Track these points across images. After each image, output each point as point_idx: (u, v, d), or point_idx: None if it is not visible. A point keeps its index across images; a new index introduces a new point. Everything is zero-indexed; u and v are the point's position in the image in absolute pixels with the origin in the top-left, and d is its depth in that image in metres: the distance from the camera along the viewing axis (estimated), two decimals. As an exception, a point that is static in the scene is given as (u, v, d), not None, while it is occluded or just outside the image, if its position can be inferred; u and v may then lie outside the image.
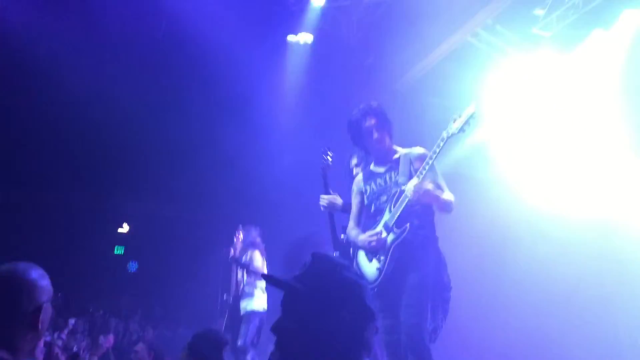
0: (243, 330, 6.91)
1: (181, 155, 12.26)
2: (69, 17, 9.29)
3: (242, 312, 7.01)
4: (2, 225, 11.72)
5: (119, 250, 15.09)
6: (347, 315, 1.94)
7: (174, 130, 11.67)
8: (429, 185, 4.04)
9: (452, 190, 4.26)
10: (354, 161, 5.14)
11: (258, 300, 7.04)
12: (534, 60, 8.16)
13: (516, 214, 7.60)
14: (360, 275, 4.17)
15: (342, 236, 4.87)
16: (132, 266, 13.71)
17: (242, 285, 7.04)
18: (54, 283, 2.37)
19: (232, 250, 7.28)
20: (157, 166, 12.59)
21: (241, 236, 7.30)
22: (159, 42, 10.02)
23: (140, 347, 6.25)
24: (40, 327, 2.25)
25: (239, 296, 7.10)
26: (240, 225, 7.56)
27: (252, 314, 6.96)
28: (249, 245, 7.29)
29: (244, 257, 7.17)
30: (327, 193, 5.08)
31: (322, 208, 5.05)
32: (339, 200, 5.02)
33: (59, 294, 9.95)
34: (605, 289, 6.59)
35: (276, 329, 1.99)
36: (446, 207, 4.18)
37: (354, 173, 5.06)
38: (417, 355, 3.99)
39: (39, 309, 2.26)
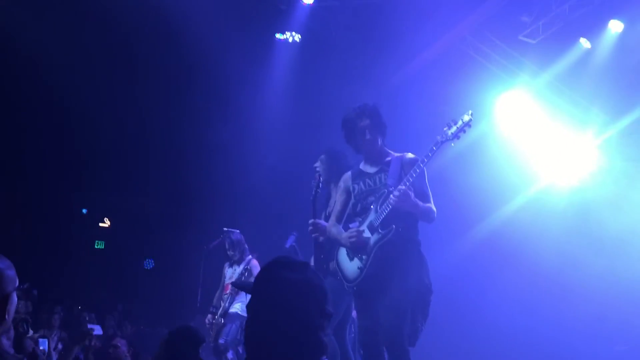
0: (226, 329, 6.91)
1: (165, 150, 12.19)
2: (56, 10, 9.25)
3: (228, 312, 7.00)
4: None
5: (99, 245, 14.95)
6: (300, 317, 1.96)
7: (159, 125, 11.60)
8: (412, 194, 4.05)
9: (437, 195, 4.29)
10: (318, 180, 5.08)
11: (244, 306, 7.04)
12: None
13: (502, 216, 7.70)
14: (341, 274, 4.28)
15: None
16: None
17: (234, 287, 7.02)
18: (33, 277, 2.37)
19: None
20: (140, 161, 12.51)
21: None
22: (145, 37, 9.95)
23: (119, 342, 6.18)
24: (7, 316, 2.26)
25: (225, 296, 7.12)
26: (225, 230, 7.55)
27: (237, 315, 6.97)
28: (245, 251, 7.26)
29: (244, 265, 7.11)
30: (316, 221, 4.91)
31: (310, 233, 4.90)
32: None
33: (34, 291, 9.85)
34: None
35: (244, 333, 2.05)
36: (426, 216, 4.20)
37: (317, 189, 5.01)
38: (397, 355, 4.01)
39: (5, 299, 2.27)
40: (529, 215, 7.68)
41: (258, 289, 2.07)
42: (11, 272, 2.32)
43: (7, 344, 2.77)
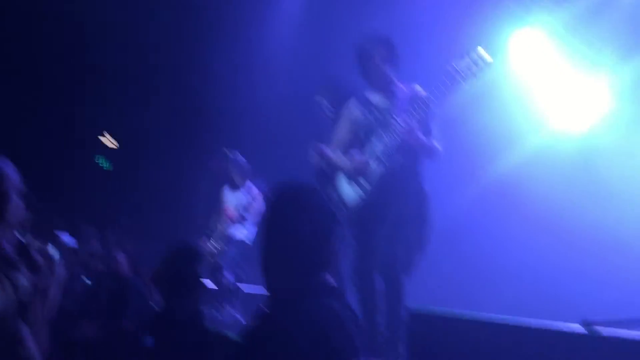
0: (226, 251, 7.03)
1: (172, 69, 12.00)
2: None
3: (229, 235, 7.09)
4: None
5: (99, 160, 14.92)
6: (305, 235, 2.04)
7: (167, 43, 11.40)
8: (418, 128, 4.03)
9: (444, 138, 4.26)
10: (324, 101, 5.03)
11: (248, 233, 7.11)
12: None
13: (510, 160, 7.64)
14: (339, 201, 4.31)
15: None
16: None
17: (239, 213, 7.08)
18: (32, 188, 2.32)
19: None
20: (145, 78, 12.35)
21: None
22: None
23: (119, 256, 6.28)
24: (7, 216, 2.23)
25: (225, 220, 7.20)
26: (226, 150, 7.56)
27: (237, 239, 7.06)
28: (248, 176, 7.27)
29: (248, 193, 7.13)
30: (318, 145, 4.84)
31: (312, 159, 4.88)
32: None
33: (35, 201, 9.92)
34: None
35: (260, 252, 2.14)
36: (429, 152, 4.19)
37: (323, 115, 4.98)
38: (392, 286, 4.09)
39: (3, 196, 2.23)
40: (537, 160, 7.61)
41: (266, 211, 2.20)
42: (9, 171, 2.27)
43: (8, 248, 2.77)
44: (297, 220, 2.07)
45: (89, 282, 6.81)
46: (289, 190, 2.20)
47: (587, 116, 7.49)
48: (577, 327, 2.66)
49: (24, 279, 2.41)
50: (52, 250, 5.01)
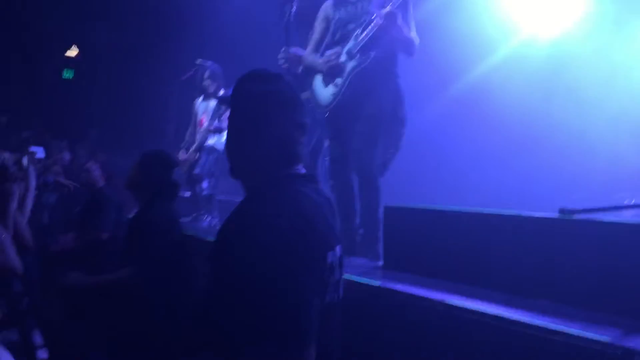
0: (202, 160, 6.95)
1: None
2: None
3: (204, 145, 6.99)
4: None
5: (68, 74, 14.46)
6: (275, 128, 1.97)
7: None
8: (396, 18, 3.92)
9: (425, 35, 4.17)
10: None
11: (223, 141, 6.99)
12: None
13: (480, 69, 7.54)
14: (314, 101, 4.25)
15: None
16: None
17: (214, 120, 6.95)
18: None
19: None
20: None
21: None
22: None
23: (92, 166, 6.16)
24: None
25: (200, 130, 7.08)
26: (199, 61, 7.33)
27: (213, 148, 6.98)
28: (221, 85, 7.09)
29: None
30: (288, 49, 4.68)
31: (281, 63, 4.69)
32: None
33: (3, 117, 9.71)
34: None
35: (226, 146, 2.08)
36: (409, 45, 4.10)
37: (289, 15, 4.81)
38: (368, 185, 4.08)
39: None
40: (508, 65, 7.51)
41: (233, 103, 2.08)
42: None
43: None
44: (267, 107, 2.00)
45: (61, 193, 6.73)
46: (258, 77, 2.08)
47: (559, 21, 7.37)
48: (554, 214, 2.68)
49: None
50: (23, 161, 4.95)
